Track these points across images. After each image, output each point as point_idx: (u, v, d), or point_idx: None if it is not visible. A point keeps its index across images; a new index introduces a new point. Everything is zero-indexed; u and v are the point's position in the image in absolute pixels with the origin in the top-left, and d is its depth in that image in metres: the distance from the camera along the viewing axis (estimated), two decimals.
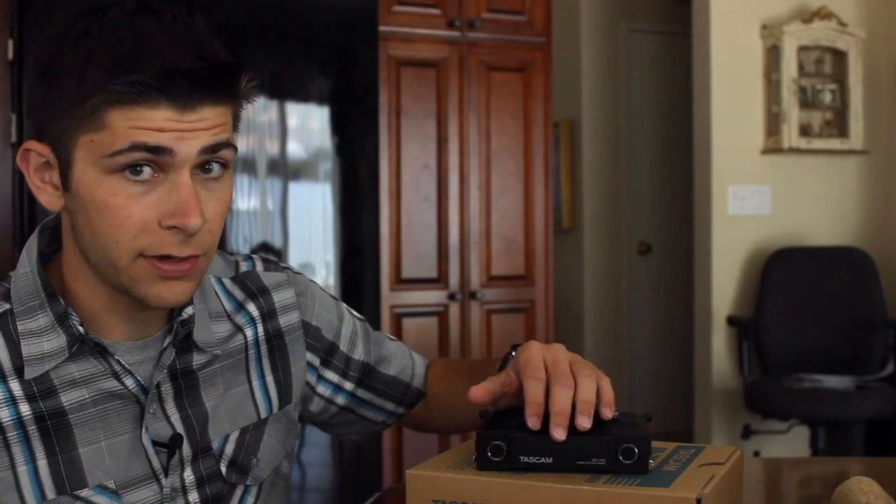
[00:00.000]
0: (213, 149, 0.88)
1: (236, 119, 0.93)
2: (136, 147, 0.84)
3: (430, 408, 1.20)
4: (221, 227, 0.93)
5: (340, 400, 1.14)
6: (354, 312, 1.18)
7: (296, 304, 1.09)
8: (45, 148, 0.89)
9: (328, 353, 1.12)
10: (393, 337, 1.22)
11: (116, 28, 0.85)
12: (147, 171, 0.86)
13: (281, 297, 1.08)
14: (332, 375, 1.13)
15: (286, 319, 1.08)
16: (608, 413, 0.87)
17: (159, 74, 0.83)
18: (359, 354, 1.15)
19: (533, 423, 0.85)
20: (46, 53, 0.87)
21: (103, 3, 0.88)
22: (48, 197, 0.90)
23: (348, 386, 1.14)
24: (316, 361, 1.11)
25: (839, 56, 4.15)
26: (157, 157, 0.85)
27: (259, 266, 1.10)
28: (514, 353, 1.01)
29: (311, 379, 1.11)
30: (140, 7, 0.87)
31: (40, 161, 0.90)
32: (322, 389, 1.12)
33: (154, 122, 0.84)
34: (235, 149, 0.92)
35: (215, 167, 0.90)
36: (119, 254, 0.87)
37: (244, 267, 1.09)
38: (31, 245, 0.94)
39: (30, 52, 2.41)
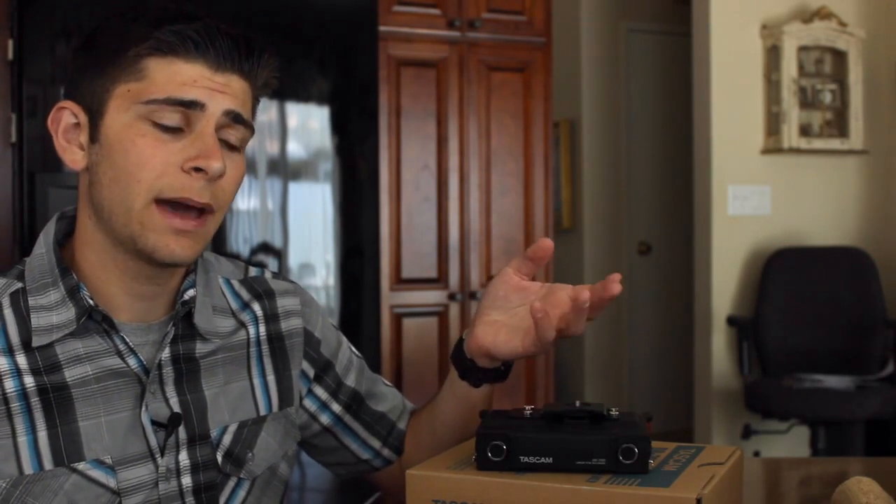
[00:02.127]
0: (236, 117, 0.94)
1: (255, 103, 1.00)
2: (171, 101, 0.90)
3: (405, 462, 1.17)
4: (233, 197, 0.98)
5: (324, 419, 1.14)
6: (353, 348, 1.20)
7: (299, 312, 1.11)
8: (77, 107, 0.94)
9: (323, 369, 1.13)
10: (389, 383, 1.22)
11: (161, 3, 0.93)
12: (175, 126, 0.91)
13: (285, 303, 1.10)
14: (321, 392, 1.13)
15: (288, 325, 1.10)
16: (617, 283, 0.94)
17: (201, 29, 0.91)
18: (351, 382, 1.15)
19: (615, 286, 0.93)
20: (92, 30, 0.95)
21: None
22: (72, 156, 0.95)
23: (335, 408, 1.14)
24: (310, 373, 1.12)
25: (839, 56, 4.15)
26: (189, 111, 0.91)
27: (268, 274, 1.13)
28: (463, 338, 1.07)
29: (302, 389, 1.12)
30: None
31: (71, 121, 0.94)
32: (308, 403, 1.12)
33: (189, 75, 0.91)
34: (252, 131, 0.98)
35: (232, 139, 0.95)
36: (137, 193, 0.91)
37: (253, 272, 1.12)
38: (49, 228, 0.98)
39: (30, 52, 2.42)
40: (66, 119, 0.95)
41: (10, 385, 0.91)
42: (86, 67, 0.94)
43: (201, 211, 0.93)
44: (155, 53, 0.91)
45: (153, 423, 0.95)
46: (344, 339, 1.18)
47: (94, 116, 0.93)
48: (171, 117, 0.91)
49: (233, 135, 0.95)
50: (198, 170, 0.91)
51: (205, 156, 0.91)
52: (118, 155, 0.91)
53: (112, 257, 0.95)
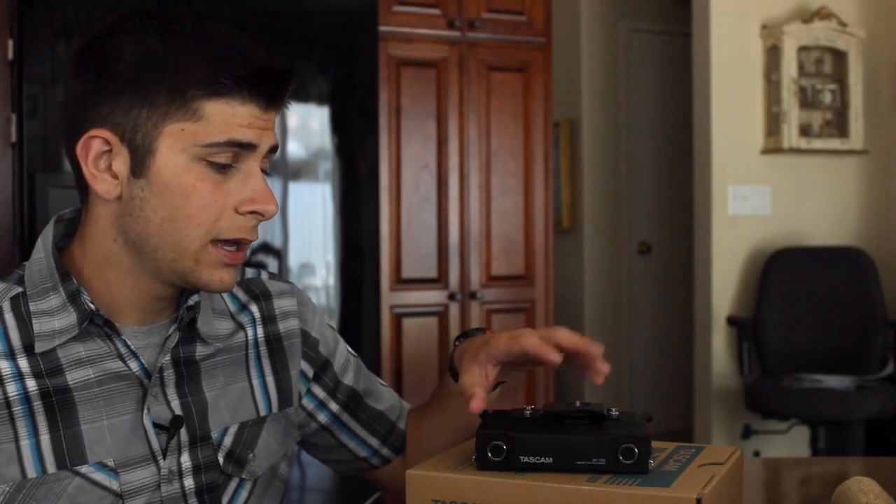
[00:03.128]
0: (274, 149, 0.96)
1: None
2: (231, 143, 0.91)
3: (408, 461, 1.17)
4: None
5: (322, 418, 1.14)
6: (350, 348, 1.20)
7: (296, 313, 1.12)
8: (113, 137, 0.91)
9: (321, 368, 1.13)
10: (385, 383, 1.22)
11: (197, 27, 0.92)
12: (227, 161, 0.92)
13: (282, 304, 1.11)
14: (319, 391, 1.13)
15: (285, 325, 1.10)
16: (599, 346, 0.95)
17: (257, 72, 0.92)
18: (349, 380, 1.16)
19: (596, 348, 0.93)
20: (115, 50, 0.91)
21: (141, 6, 0.95)
22: (104, 185, 0.93)
23: (333, 406, 1.14)
24: (309, 372, 1.12)
25: (839, 56, 4.15)
26: (243, 152, 0.92)
27: (265, 276, 1.13)
28: (457, 343, 1.06)
29: (301, 389, 1.12)
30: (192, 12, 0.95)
31: (101, 149, 0.92)
32: (306, 402, 1.13)
33: (245, 117, 0.92)
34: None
35: (265, 168, 0.97)
36: (196, 235, 0.92)
37: (250, 274, 1.12)
38: (47, 233, 0.98)
39: (30, 52, 2.42)
40: (96, 147, 0.92)
41: (12, 389, 0.91)
42: (122, 94, 0.90)
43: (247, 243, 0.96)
44: (213, 97, 0.90)
45: (155, 425, 0.96)
46: (340, 339, 1.18)
47: (139, 151, 0.91)
48: (225, 157, 0.92)
49: (266, 163, 0.97)
50: (255, 212, 0.94)
51: (262, 200, 0.93)
52: (177, 198, 0.91)
53: (134, 279, 0.96)
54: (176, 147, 0.91)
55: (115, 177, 0.92)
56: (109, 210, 0.94)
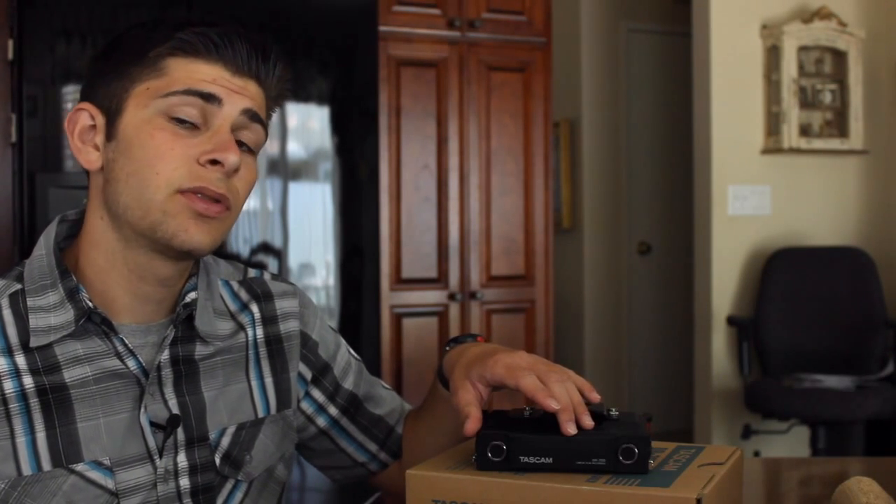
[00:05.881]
0: (253, 116, 0.96)
1: (268, 116, 1.01)
2: (189, 92, 0.92)
3: (404, 464, 1.17)
4: (246, 199, 0.99)
5: (321, 422, 1.13)
6: (352, 351, 1.19)
7: (297, 314, 1.11)
8: (95, 109, 0.95)
9: (320, 372, 1.13)
10: (388, 386, 1.22)
11: (183, 13, 0.97)
12: (192, 124, 0.93)
13: (283, 305, 1.10)
14: (318, 395, 1.13)
15: (286, 327, 1.10)
16: (596, 396, 0.91)
17: (223, 34, 0.94)
18: (349, 385, 1.15)
19: (572, 428, 0.86)
20: (112, 39, 0.97)
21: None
22: (87, 156, 0.96)
23: (332, 411, 1.14)
24: (308, 375, 1.12)
25: (839, 56, 4.15)
26: (206, 105, 0.92)
27: (267, 276, 1.13)
28: (448, 349, 1.05)
29: (299, 392, 1.11)
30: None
31: (87, 123, 0.96)
32: (305, 406, 1.12)
33: (209, 75, 0.93)
34: (266, 134, 0.99)
35: (245, 147, 0.97)
36: (157, 185, 0.91)
37: (252, 273, 1.12)
38: (50, 230, 0.99)
39: (30, 52, 2.42)
40: (82, 121, 0.96)
41: (9, 386, 0.91)
42: (104, 72, 0.95)
43: (217, 200, 0.94)
44: (176, 53, 0.93)
45: (152, 424, 0.96)
46: (343, 341, 1.18)
47: (112, 116, 0.94)
48: (189, 112, 0.92)
49: (249, 136, 0.97)
50: (214, 162, 0.92)
51: (221, 149, 0.92)
52: (136, 149, 0.92)
53: (122, 257, 0.95)
54: (141, 104, 0.93)
55: (97, 148, 0.95)
56: (97, 184, 0.96)
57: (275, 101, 1.02)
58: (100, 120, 0.95)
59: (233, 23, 0.96)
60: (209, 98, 0.93)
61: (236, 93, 0.94)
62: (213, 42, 0.93)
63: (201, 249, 0.94)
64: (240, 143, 0.96)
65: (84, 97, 0.97)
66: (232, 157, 0.92)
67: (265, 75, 0.98)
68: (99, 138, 0.95)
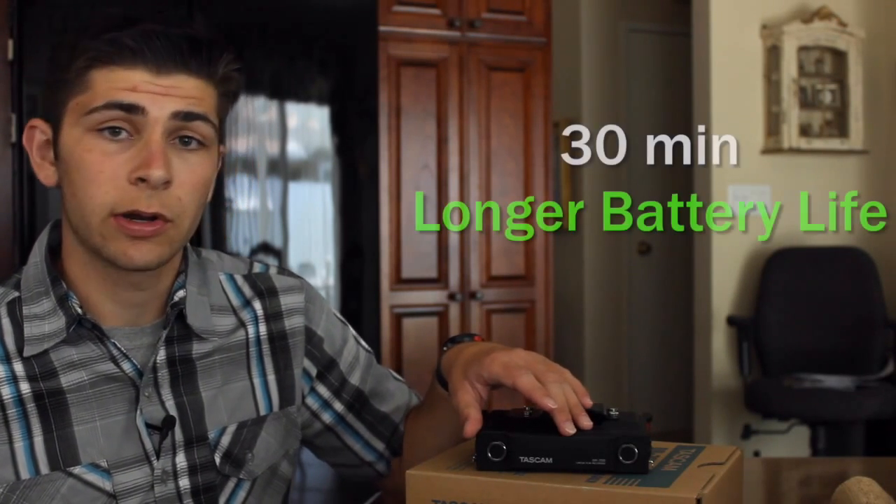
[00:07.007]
0: (186, 116, 0.91)
1: (223, 100, 0.96)
2: (110, 105, 0.89)
3: (403, 463, 1.15)
4: (196, 202, 0.94)
5: (327, 418, 1.12)
6: (363, 342, 1.17)
7: (302, 310, 1.10)
8: (45, 125, 0.95)
9: (326, 367, 1.11)
10: (400, 378, 1.19)
11: (110, 11, 0.93)
12: (124, 133, 0.90)
13: (288, 301, 1.09)
14: (323, 391, 1.11)
15: (291, 323, 1.09)
16: (588, 402, 0.89)
17: (137, 35, 0.89)
18: (355, 380, 1.13)
19: (569, 427, 0.85)
20: (52, 47, 0.95)
21: None
22: (45, 173, 0.95)
23: (338, 407, 1.12)
24: (312, 371, 1.10)
25: (839, 56, 4.15)
26: (131, 116, 0.89)
27: (273, 271, 1.11)
28: (446, 349, 1.03)
29: (304, 388, 1.10)
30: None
31: (42, 139, 0.95)
32: (310, 402, 1.11)
33: (129, 81, 0.89)
34: (215, 127, 0.95)
35: (193, 142, 0.93)
36: (92, 209, 0.90)
37: (258, 268, 1.10)
38: (43, 237, 0.99)
39: (30, 52, 2.42)
40: (37, 137, 0.96)
41: (6, 392, 0.92)
42: (48, 84, 0.94)
43: (154, 217, 0.91)
44: (95, 64, 0.90)
45: (148, 426, 0.95)
46: (351, 333, 1.16)
47: (55, 133, 0.93)
48: (115, 125, 0.90)
49: (193, 133, 0.93)
50: (142, 179, 0.89)
51: (145, 165, 0.89)
52: (73, 171, 0.91)
53: (93, 267, 0.95)
54: (72, 122, 0.91)
55: (52, 164, 0.95)
56: (62, 197, 0.96)
57: (224, 84, 0.96)
58: (50, 135, 0.94)
59: (152, 17, 0.91)
60: (130, 109, 0.89)
61: (162, 95, 0.90)
62: (129, 46, 0.89)
63: (147, 266, 0.93)
64: (186, 141, 0.93)
65: (40, 112, 0.97)
66: (156, 173, 0.89)
67: (197, 66, 0.92)
68: (50, 155, 0.95)
